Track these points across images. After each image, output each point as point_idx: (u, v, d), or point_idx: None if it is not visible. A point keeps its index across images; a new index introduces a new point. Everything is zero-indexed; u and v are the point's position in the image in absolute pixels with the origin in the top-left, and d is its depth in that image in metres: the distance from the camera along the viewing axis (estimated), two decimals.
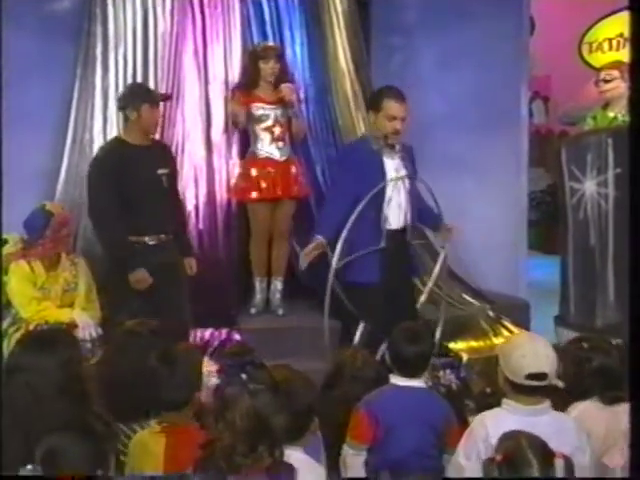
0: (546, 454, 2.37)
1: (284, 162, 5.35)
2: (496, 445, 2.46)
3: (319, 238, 4.31)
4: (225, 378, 2.70)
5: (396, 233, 4.42)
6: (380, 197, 4.32)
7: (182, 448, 2.60)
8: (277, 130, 5.34)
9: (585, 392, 3.02)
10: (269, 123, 5.33)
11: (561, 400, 2.99)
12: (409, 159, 4.54)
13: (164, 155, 4.71)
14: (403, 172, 4.44)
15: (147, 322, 3.31)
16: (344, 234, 4.17)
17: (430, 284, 4.83)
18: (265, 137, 5.34)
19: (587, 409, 2.96)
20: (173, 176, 4.73)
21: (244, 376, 2.54)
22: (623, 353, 3.03)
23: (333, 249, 4.24)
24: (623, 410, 2.91)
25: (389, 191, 4.36)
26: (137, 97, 4.52)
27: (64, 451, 2.20)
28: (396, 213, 4.40)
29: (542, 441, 2.42)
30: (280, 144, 5.35)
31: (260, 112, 5.32)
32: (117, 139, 4.68)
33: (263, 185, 5.28)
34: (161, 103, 4.84)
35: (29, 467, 2.18)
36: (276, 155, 5.34)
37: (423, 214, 4.60)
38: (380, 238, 4.35)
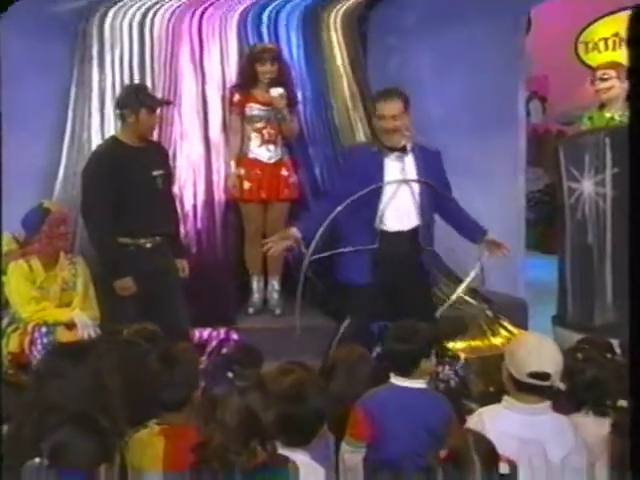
0: (491, 456, 2.33)
1: (273, 164, 5.36)
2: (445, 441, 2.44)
3: (292, 229, 4.38)
4: (212, 379, 2.70)
5: (396, 235, 4.39)
6: (376, 198, 4.31)
7: (181, 449, 2.56)
8: (268, 132, 5.35)
9: (578, 404, 3.01)
10: (260, 124, 5.34)
11: (563, 406, 2.98)
12: (431, 164, 4.43)
13: (159, 156, 4.70)
14: (410, 176, 4.38)
15: (144, 329, 3.28)
16: (321, 230, 4.22)
17: (456, 294, 4.89)
18: (255, 138, 5.36)
19: (580, 421, 2.94)
20: (168, 177, 4.72)
21: (230, 375, 2.54)
22: (617, 365, 3.04)
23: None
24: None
25: (388, 192, 4.33)
26: (136, 100, 4.49)
27: (70, 445, 2.22)
28: (395, 215, 4.36)
29: (489, 442, 2.38)
30: (270, 146, 5.36)
31: (254, 112, 5.34)
32: (113, 139, 4.66)
33: (246, 186, 5.32)
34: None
35: (37, 460, 2.20)
36: (264, 157, 5.35)
37: (460, 225, 4.54)
38: (374, 238, 4.35)
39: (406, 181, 4.35)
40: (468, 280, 4.86)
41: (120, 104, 4.59)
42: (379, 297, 4.36)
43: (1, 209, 3.31)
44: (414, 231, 4.41)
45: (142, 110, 4.44)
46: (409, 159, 4.40)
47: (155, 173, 4.52)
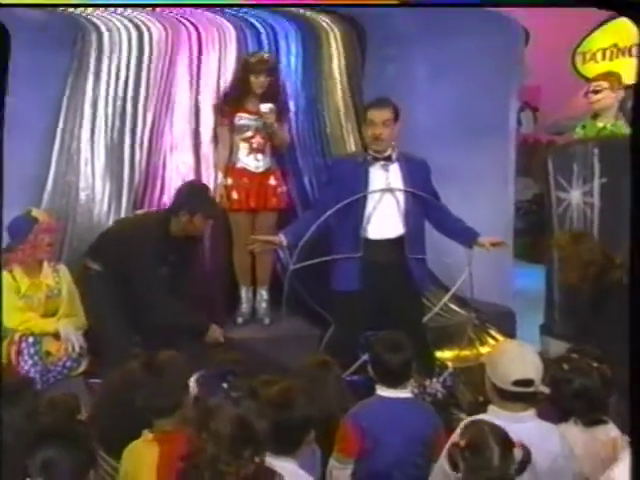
0: (506, 442, 2.45)
1: (261, 174, 5.34)
2: (460, 431, 2.55)
3: (280, 236, 4.47)
4: (205, 389, 2.69)
5: (381, 243, 4.40)
6: (360, 207, 4.34)
7: (175, 454, 2.55)
8: (256, 141, 5.32)
9: (565, 413, 3.01)
10: (249, 134, 5.32)
11: (551, 415, 2.99)
12: (416, 173, 4.47)
13: (185, 248, 4.69)
14: (396, 185, 4.40)
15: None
16: (304, 240, 4.31)
17: (443, 301, 5.00)
18: (244, 148, 5.34)
19: (567, 431, 2.94)
20: (179, 267, 4.69)
21: (225, 385, 2.53)
22: (604, 374, 3.04)
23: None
24: (602, 432, 2.94)
25: (373, 201, 4.35)
26: (196, 204, 4.53)
27: (60, 460, 2.24)
28: (380, 224, 4.38)
29: (504, 430, 2.50)
30: (259, 155, 5.35)
31: (242, 122, 5.32)
32: (165, 225, 4.61)
33: (234, 196, 5.30)
34: None
35: None
36: (252, 166, 5.33)
37: (450, 230, 4.56)
38: (360, 247, 4.36)
39: (390, 190, 4.38)
40: (455, 287, 4.88)
41: (178, 201, 4.63)
42: (366, 305, 4.36)
43: (2, 213, 3.31)
44: (400, 239, 4.43)
45: (198, 215, 4.52)
46: (394, 168, 4.42)
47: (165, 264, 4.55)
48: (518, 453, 2.44)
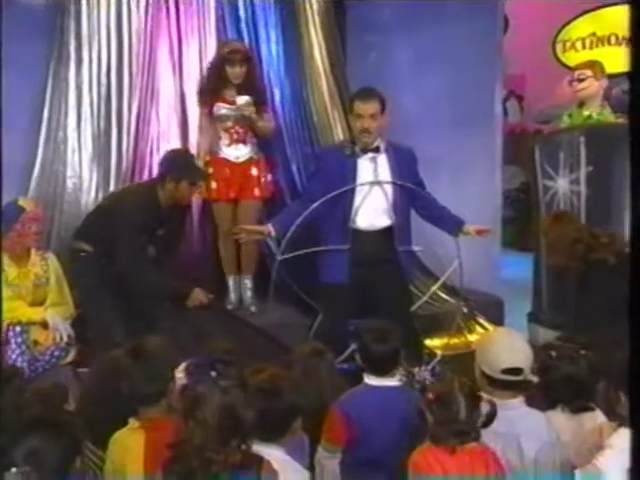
0: (473, 396, 2.55)
1: (242, 164, 5.31)
2: (431, 387, 2.68)
3: (268, 225, 4.44)
4: (194, 377, 2.69)
5: (370, 234, 4.40)
6: (348, 199, 4.33)
7: (162, 442, 2.54)
8: (236, 131, 5.30)
9: (552, 401, 3.02)
10: (229, 124, 5.29)
11: (539, 402, 3.01)
12: (404, 163, 4.45)
13: (173, 217, 4.73)
14: (384, 177, 4.37)
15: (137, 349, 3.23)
16: (290, 232, 4.30)
17: (431, 290, 5.01)
18: (224, 138, 5.32)
19: (554, 418, 2.96)
20: (167, 236, 4.72)
21: (214, 373, 2.53)
22: (591, 361, 3.05)
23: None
24: (589, 418, 2.96)
25: (361, 193, 4.34)
26: (180, 170, 4.55)
27: (46, 448, 2.24)
28: (368, 215, 4.37)
29: (471, 385, 2.61)
30: (240, 146, 5.32)
31: (222, 112, 5.28)
32: (154, 195, 4.61)
33: (213, 186, 5.28)
34: None
35: (13, 470, 2.18)
36: (232, 157, 5.31)
37: (437, 218, 4.56)
38: (349, 238, 4.36)
39: (378, 183, 4.36)
40: (445, 277, 4.90)
41: (163, 168, 4.64)
42: (355, 296, 4.37)
43: (1, 203, 3.28)
44: (388, 230, 4.43)
45: (184, 182, 4.55)
46: (382, 159, 4.40)
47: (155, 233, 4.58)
48: (485, 406, 2.51)
